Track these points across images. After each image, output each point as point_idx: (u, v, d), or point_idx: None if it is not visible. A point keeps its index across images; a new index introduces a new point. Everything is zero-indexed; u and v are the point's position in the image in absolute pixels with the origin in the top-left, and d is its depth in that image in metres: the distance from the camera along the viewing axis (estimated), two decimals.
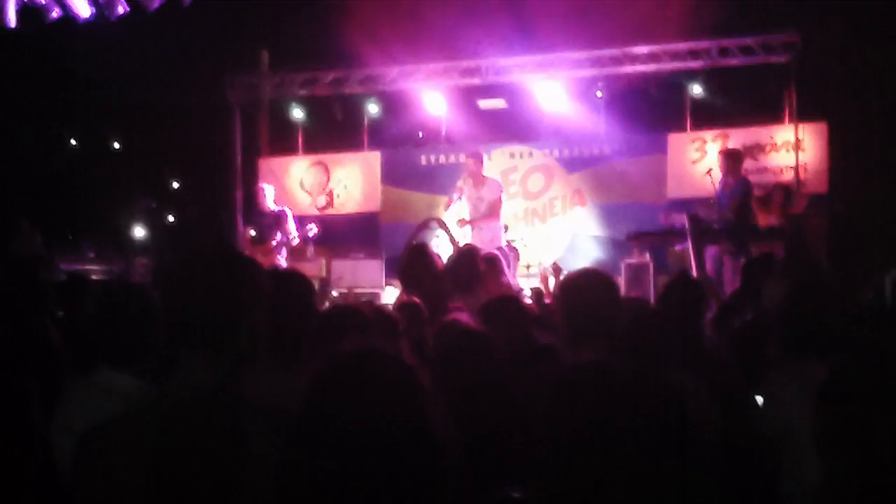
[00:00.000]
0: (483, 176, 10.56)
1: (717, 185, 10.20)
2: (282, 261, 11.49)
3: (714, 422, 2.99)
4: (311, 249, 12.81)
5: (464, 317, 4.88)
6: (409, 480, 1.67)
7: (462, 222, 10.57)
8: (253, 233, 11.87)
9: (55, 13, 10.80)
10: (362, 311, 3.51)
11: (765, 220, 10.81)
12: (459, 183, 10.78)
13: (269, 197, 12.03)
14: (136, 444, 2.02)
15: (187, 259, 2.25)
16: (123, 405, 2.51)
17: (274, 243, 11.48)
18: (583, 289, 3.30)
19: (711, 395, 3.08)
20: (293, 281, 3.26)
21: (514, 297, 4.95)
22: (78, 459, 2.11)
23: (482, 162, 10.61)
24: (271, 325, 2.25)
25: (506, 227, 12.81)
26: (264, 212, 11.92)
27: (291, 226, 11.67)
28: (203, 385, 2.10)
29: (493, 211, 10.31)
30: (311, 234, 11.79)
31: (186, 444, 1.99)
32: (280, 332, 2.60)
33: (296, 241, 11.77)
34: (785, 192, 11.51)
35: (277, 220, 11.68)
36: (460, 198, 10.68)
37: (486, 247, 9.96)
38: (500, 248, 12.17)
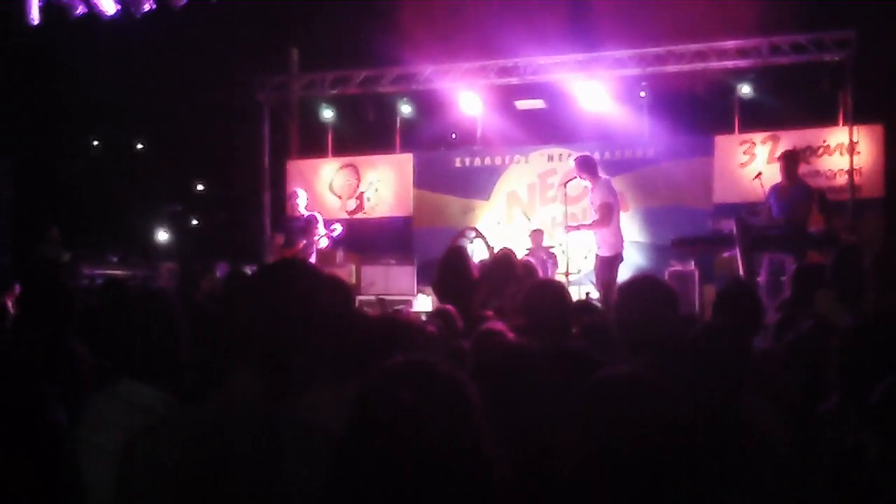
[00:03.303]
0: (594, 177, 10.25)
1: (767, 190, 10.04)
2: None
3: (781, 445, 2.90)
4: (340, 254, 12.85)
5: (499, 325, 4.83)
6: (460, 499, 1.65)
7: (570, 228, 10.46)
8: (276, 237, 12.03)
9: (80, 10, 10.87)
10: (411, 323, 3.45)
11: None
12: (570, 186, 10.62)
13: (301, 203, 12.21)
14: (160, 459, 1.99)
15: (258, 270, 2.22)
16: (145, 419, 2.47)
17: (301, 247, 11.58)
18: (641, 294, 3.22)
19: (777, 415, 2.99)
20: (336, 288, 3.20)
21: (559, 284, 4.87)
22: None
23: (588, 164, 10.29)
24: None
25: (542, 233, 12.76)
26: (296, 216, 12.04)
27: (321, 229, 11.78)
28: (248, 402, 2.06)
29: (601, 218, 10.04)
30: (335, 234, 11.84)
31: (215, 463, 1.95)
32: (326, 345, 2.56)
33: (323, 243, 11.86)
34: (819, 198, 11.27)
35: (308, 224, 11.79)
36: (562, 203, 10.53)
37: (602, 252, 10.02)
38: (548, 253, 12.17)
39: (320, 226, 11.82)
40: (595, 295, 10.22)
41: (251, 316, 2.12)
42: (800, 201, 9.71)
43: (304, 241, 11.63)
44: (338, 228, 11.82)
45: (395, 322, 3.51)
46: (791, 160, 10.14)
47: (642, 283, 3.46)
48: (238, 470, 1.94)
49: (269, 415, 2.05)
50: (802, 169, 11.99)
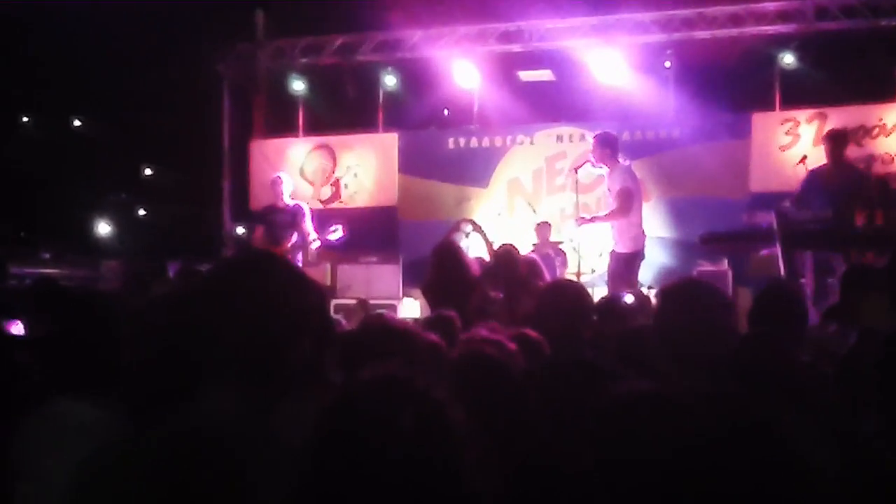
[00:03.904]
0: (613, 161, 10.15)
1: (808, 176, 10.05)
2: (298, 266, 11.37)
3: (827, 473, 2.90)
4: (313, 251, 12.80)
5: (492, 333, 4.83)
6: None
7: (581, 220, 10.33)
8: (241, 231, 11.91)
9: None
10: (398, 331, 3.45)
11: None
12: (582, 173, 10.55)
13: (287, 190, 11.97)
14: (119, 492, 1.98)
15: (223, 265, 2.21)
16: (85, 443, 2.46)
17: (289, 245, 11.45)
18: (691, 300, 3.19)
19: (823, 438, 2.99)
20: (311, 290, 3.19)
21: (577, 286, 4.89)
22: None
23: (609, 143, 10.25)
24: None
25: (549, 227, 12.76)
26: (279, 207, 11.89)
27: (309, 225, 11.63)
28: (220, 422, 2.05)
29: (619, 207, 9.99)
30: (333, 237, 11.71)
31: (185, 497, 1.94)
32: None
33: (316, 245, 11.71)
34: (881, 186, 11.27)
35: (294, 217, 11.63)
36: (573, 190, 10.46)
37: (617, 248, 9.95)
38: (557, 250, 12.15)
39: (308, 219, 11.77)
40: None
41: (221, 321, 2.11)
42: (851, 190, 9.71)
43: (293, 238, 11.53)
44: (338, 231, 11.61)
45: (381, 329, 3.50)
46: (837, 141, 10.14)
47: (693, 286, 3.42)
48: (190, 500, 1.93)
49: (246, 436, 2.05)
50: (853, 152, 12.04)
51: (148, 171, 22.88)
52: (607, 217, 10.09)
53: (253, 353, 2.09)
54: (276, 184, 12.05)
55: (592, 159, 10.17)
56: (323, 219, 12.49)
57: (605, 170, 10.14)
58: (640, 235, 10.07)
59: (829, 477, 3.01)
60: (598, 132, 10.54)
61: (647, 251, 10.33)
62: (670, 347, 3.21)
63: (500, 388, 3.05)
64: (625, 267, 9.94)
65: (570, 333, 4.23)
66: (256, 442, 2.03)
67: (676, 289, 3.41)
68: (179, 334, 2.23)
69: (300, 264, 11.47)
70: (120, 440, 2.26)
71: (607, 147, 10.12)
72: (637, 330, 4.56)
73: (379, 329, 3.65)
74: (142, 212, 23.66)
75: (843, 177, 9.80)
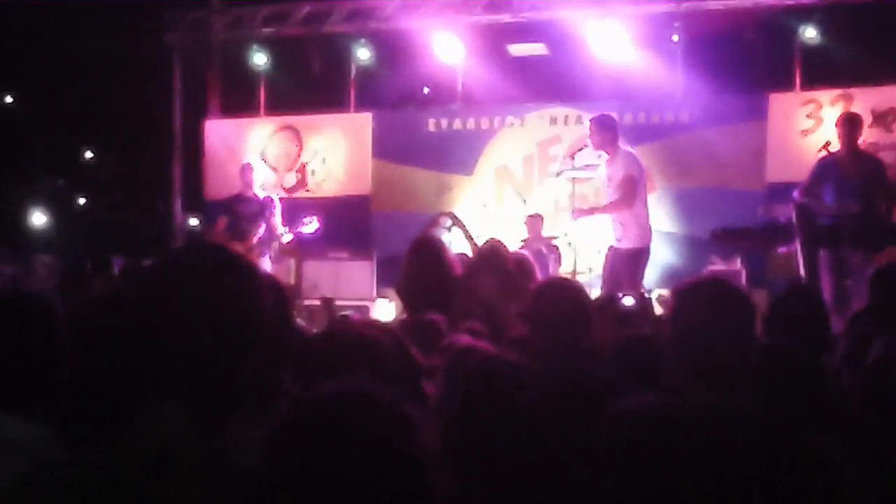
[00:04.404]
0: (614, 147, 10.22)
1: (820, 163, 10.09)
2: (265, 264, 11.64)
3: (862, 498, 2.91)
4: (275, 245, 12.82)
5: (482, 343, 4.83)
6: None
7: (579, 212, 10.36)
8: (194, 222, 11.94)
9: None
10: (368, 339, 3.42)
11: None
12: (578, 160, 10.58)
13: (257, 179, 12.20)
14: None
15: (166, 261, 2.18)
16: (12, 463, 2.44)
17: (255, 240, 11.56)
18: (710, 303, 3.14)
19: (856, 460, 3.00)
20: (268, 291, 3.16)
21: (576, 285, 4.90)
22: None
23: (608, 127, 10.31)
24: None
25: (541, 220, 12.77)
26: (247, 197, 12.04)
27: (279, 220, 11.76)
28: (167, 444, 2.02)
29: (622, 197, 10.01)
30: (309, 231, 11.81)
31: None
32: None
33: (287, 239, 11.88)
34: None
35: (262, 209, 11.75)
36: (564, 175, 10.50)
37: (620, 244, 9.98)
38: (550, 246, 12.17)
39: (278, 215, 11.81)
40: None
41: (161, 327, 2.08)
42: (871, 180, 9.75)
43: (260, 232, 11.62)
44: (313, 223, 11.74)
45: (348, 336, 3.48)
46: (854, 125, 10.17)
47: (712, 287, 3.36)
48: None
49: (194, 460, 2.02)
50: (880, 136, 12.10)
51: (88, 155, 22.83)
52: (608, 208, 10.11)
53: (199, 365, 2.06)
54: (245, 171, 12.18)
55: (591, 145, 10.20)
56: (287, 210, 12.50)
57: (604, 157, 10.15)
58: (647, 230, 10.09)
59: None
60: (595, 115, 10.57)
61: (653, 247, 10.36)
62: (686, 357, 3.16)
63: (493, 403, 3.04)
64: (628, 265, 9.93)
65: (567, 341, 4.21)
66: (206, 467, 2.02)
67: (695, 288, 3.34)
68: (121, 341, 2.20)
69: (267, 261, 11.57)
70: (50, 464, 2.24)
71: (607, 131, 10.14)
72: (642, 338, 4.56)
73: (339, 336, 3.63)
74: (81, 200, 23.59)
75: (862, 166, 9.83)
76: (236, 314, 2.09)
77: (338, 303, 12.17)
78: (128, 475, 1.97)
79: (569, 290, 4.59)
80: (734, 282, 3.70)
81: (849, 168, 9.84)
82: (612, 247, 10.14)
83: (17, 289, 8.37)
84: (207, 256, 2.21)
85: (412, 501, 1.68)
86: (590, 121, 10.45)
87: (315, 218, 11.84)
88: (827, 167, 9.88)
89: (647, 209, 10.14)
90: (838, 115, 12.51)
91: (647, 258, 10.11)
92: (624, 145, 10.42)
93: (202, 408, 2.06)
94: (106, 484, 1.96)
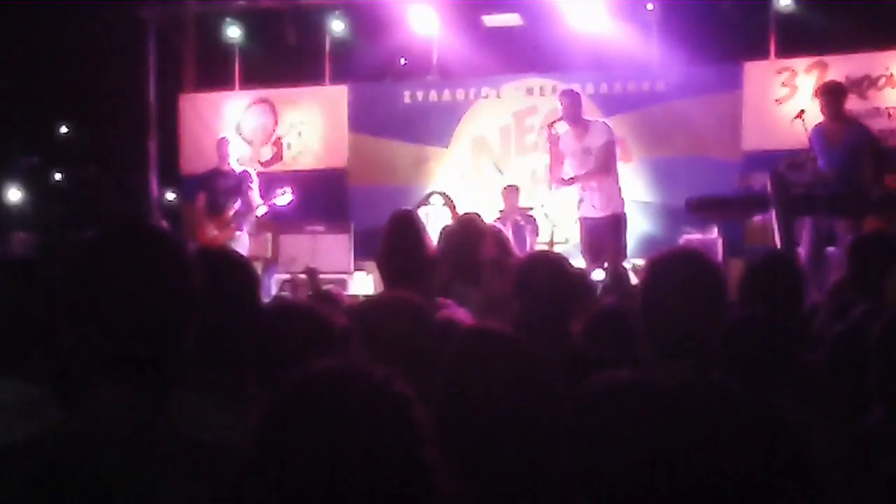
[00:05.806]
0: (585, 119, 10.51)
1: (810, 132, 10.11)
2: (243, 237, 11.87)
3: (827, 467, 2.93)
4: (252, 219, 12.82)
5: (461, 314, 4.83)
6: None
7: (560, 182, 10.44)
8: (171, 197, 11.96)
9: None
10: (325, 318, 3.44)
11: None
12: (554, 130, 10.62)
13: (233, 153, 12.32)
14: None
15: (98, 240, 2.18)
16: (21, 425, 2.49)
17: (232, 213, 11.61)
18: (680, 275, 3.13)
19: (822, 429, 3.02)
20: (231, 266, 3.14)
21: (558, 257, 4.92)
22: None
23: (580, 102, 10.60)
24: (202, 334, 2.18)
25: (517, 191, 12.78)
26: (223, 171, 12.16)
27: (256, 194, 11.87)
28: (113, 417, 2.04)
29: (604, 165, 10.21)
30: (281, 202, 11.88)
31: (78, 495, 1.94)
32: (213, 344, 2.54)
33: (262, 211, 12.03)
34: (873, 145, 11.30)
35: (240, 184, 11.83)
36: (553, 149, 10.54)
37: (603, 212, 10.12)
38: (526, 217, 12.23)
39: (255, 189, 11.88)
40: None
41: (98, 297, 2.09)
42: (857, 148, 9.77)
43: (238, 206, 11.68)
44: (286, 194, 11.84)
45: (313, 315, 3.49)
46: (833, 94, 10.18)
47: (682, 258, 3.34)
48: None
49: (141, 432, 2.04)
50: (855, 104, 12.09)
51: (63, 130, 22.69)
52: (589, 176, 10.18)
53: (130, 342, 2.07)
54: (221, 146, 12.25)
55: (565, 118, 10.31)
56: (264, 183, 12.53)
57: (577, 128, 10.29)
58: (622, 197, 10.25)
59: (830, 475, 3.06)
60: (564, 89, 10.74)
61: (629, 217, 10.47)
62: (656, 329, 3.14)
63: (481, 374, 3.03)
64: (614, 233, 10.07)
65: (556, 317, 4.22)
66: (157, 439, 2.04)
67: (663, 261, 3.31)
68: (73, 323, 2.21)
69: (245, 235, 11.66)
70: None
71: (580, 104, 10.48)
72: (610, 311, 4.59)
73: (290, 313, 3.65)
74: (57, 176, 23.47)
75: (848, 133, 9.84)
76: (163, 291, 2.09)
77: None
78: (72, 453, 1.98)
79: (552, 265, 4.60)
80: (705, 253, 3.66)
81: (834, 136, 9.86)
82: (587, 217, 10.21)
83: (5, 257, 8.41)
84: (131, 234, 2.22)
85: (408, 477, 1.70)
86: (562, 95, 10.56)
87: (288, 189, 11.91)
88: (819, 135, 9.90)
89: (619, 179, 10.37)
90: (813, 82, 12.61)
91: (627, 225, 10.28)
92: (595, 117, 10.55)
93: (142, 384, 2.08)
94: (50, 462, 1.98)
